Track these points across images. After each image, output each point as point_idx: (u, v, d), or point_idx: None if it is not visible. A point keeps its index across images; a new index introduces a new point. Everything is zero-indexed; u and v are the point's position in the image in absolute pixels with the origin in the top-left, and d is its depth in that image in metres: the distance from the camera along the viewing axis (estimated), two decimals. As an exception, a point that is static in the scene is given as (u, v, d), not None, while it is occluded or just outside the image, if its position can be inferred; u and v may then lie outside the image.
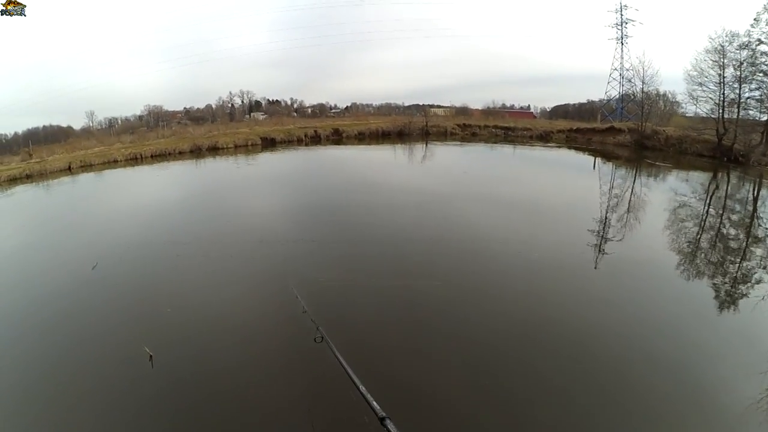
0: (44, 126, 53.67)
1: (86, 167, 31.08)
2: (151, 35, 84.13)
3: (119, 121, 61.30)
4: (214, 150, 37.98)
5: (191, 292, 9.69)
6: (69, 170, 29.98)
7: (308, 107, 74.11)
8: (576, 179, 24.49)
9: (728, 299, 9.27)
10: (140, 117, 62.74)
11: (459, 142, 41.70)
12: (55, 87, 54.87)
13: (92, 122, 58.53)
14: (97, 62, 75.10)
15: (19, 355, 7.48)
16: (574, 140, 40.01)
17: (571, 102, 63.13)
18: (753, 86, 29.34)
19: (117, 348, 7.44)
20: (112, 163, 32.45)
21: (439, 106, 62.44)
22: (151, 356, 6.93)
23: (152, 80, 77.00)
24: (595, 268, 10.89)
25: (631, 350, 7.15)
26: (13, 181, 26.91)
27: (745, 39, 29.21)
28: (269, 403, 6.09)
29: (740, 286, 9.96)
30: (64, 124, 55.81)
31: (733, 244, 13.12)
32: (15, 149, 38.30)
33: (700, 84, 31.09)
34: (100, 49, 76.64)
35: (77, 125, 56.62)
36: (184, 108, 68.53)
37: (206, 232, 13.65)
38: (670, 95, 41.40)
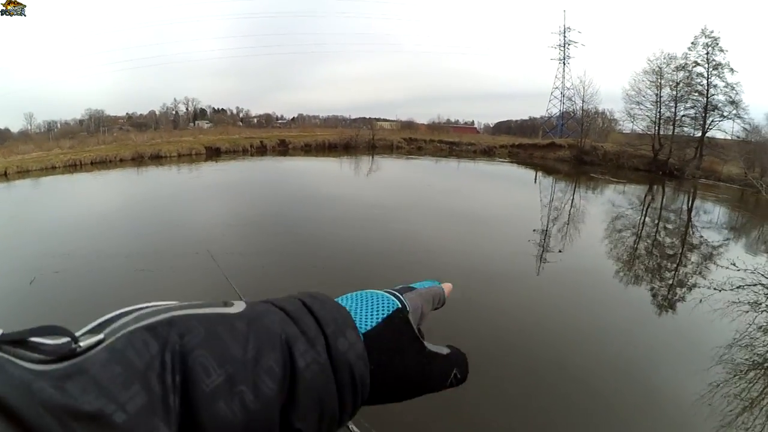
0: (-19, 127, 50.72)
1: (23, 173, 28.82)
2: (95, 36, 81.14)
3: (59, 125, 57.88)
4: (157, 158, 35.89)
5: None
6: (5, 176, 27.63)
7: (254, 117, 72.52)
8: (518, 192, 24.25)
9: (667, 303, 9.38)
10: (81, 121, 59.24)
11: (405, 156, 41.27)
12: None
13: (31, 125, 54.99)
14: (37, 61, 71.66)
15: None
16: (517, 155, 40.30)
17: (514, 118, 64.40)
18: (688, 105, 30.54)
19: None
20: (51, 170, 30.27)
21: (385, 120, 62.21)
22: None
23: (94, 83, 73.45)
24: (538, 275, 10.64)
25: (576, 355, 6.96)
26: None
27: (682, 61, 30.47)
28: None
29: (678, 291, 10.07)
30: (1, 126, 52.98)
31: (669, 251, 13.15)
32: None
33: (638, 103, 32.10)
34: (40, 47, 72.96)
35: (15, 127, 53.30)
36: (127, 113, 65.28)
37: (147, 244, 12.62)
38: (608, 113, 42.70)
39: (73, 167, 31.48)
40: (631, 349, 7.12)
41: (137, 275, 10.14)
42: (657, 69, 31.18)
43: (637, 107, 32.10)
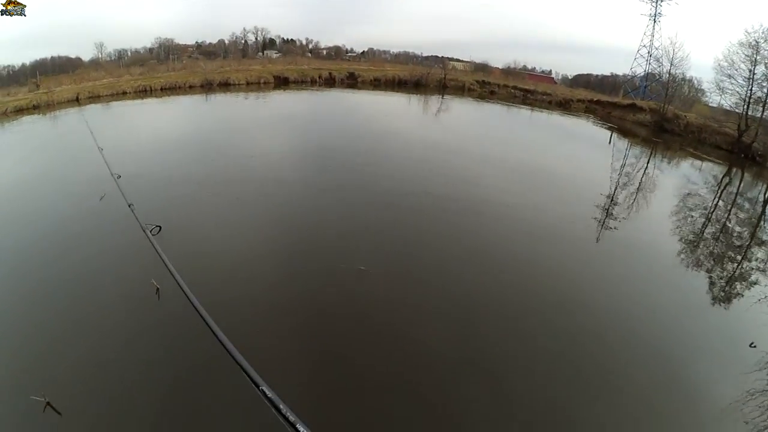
0: (52, 57, 51.94)
1: (94, 98, 30.61)
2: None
3: (129, 54, 59.42)
4: (226, 86, 37.59)
5: (197, 225, 10.06)
6: (77, 101, 29.57)
7: (323, 49, 71.98)
8: (590, 152, 24.50)
9: (722, 296, 9.33)
10: (150, 50, 60.66)
11: (476, 99, 40.98)
12: (64, 17, 53.09)
13: (101, 54, 56.68)
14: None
15: (23, 282, 7.80)
16: (594, 112, 39.15)
17: (594, 73, 61.47)
18: (782, 88, 28.55)
19: (122, 279, 7.80)
20: (121, 95, 32.05)
21: (458, 60, 60.65)
22: (158, 289, 7.02)
23: (164, 12, 75.01)
24: (597, 241, 11.01)
25: (617, 330, 7.37)
26: (20, 111, 26.12)
27: (782, 39, 28.28)
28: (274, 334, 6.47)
29: (736, 285, 9.94)
30: (72, 56, 54.51)
31: (736, 242, 13.11)
32: (22, 80, 36.42)
33: (729, 76, 30.22)
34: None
35: (86, 57, 54.88)
36: (196, 42, 66.17)
37: (217, 170, 13.80)
38: (696, 81, 40.40)
39: (144, 93, 33.57)
40: (669, 335, 7.31)
41: (196, 198, 11.84)
42: (754, 43, 29.05)
43: (728, 81, 30.35)
